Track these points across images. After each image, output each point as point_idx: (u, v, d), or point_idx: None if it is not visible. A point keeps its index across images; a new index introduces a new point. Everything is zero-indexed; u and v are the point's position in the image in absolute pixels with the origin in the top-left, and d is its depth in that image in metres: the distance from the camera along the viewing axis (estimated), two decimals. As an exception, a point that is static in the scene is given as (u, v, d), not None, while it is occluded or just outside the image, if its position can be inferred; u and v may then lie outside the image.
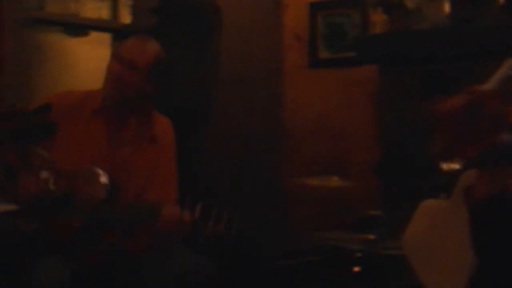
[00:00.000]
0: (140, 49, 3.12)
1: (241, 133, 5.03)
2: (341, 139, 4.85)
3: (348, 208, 4.22)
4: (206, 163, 4.65)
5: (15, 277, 2.78)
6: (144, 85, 3.08)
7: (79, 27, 4.63)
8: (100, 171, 2.91)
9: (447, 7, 4.20)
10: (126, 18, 4.97)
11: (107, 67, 3.11)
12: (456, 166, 1.91)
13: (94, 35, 4.77)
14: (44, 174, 2.88)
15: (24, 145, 2.77)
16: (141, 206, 2.95)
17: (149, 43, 3.17)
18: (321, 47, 4.98)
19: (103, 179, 2.90)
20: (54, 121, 2.50)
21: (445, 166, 2.08)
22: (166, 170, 3.18)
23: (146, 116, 3.20)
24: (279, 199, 4.92)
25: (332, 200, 4.37)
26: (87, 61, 4.76)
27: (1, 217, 2.85)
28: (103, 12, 4.76)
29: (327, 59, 4.97)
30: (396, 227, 3.11)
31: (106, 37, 4.92)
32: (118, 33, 4.90)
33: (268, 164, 5.00)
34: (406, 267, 2.26)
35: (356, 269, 3.60)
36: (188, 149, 4.42)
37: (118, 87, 3.04)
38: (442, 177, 2.23)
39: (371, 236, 3.71)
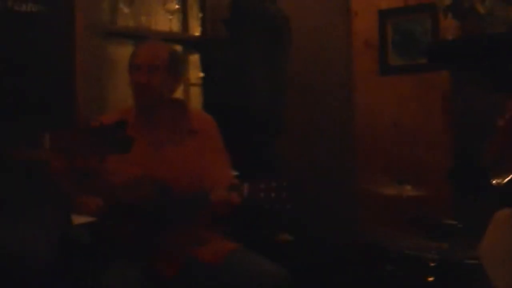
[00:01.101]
0: (153, 50, 3.20)
1: (313, 140, 5.02)
2: (414, 145, 4.80)
3: (422, 216, 4.17)
4: (277, 169, 4.65)
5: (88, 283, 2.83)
6: (167, 82, 3.16)
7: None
8: (147, 177, 2.96)
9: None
10: (196, 30, 5.00)
11: (129, 80, 3.19)
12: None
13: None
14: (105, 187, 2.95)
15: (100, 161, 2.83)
16: (190, 196, 2.98)
17: (157, 45, 3.29)
18: (391, 53, 4.95)
19: (152, 184, 2.95)
20: (131, 136, 2.55)
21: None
22: (216, 160, 3.21)
23: (181, 113, 3.27)
24: (351, 207, 4.89)
25: (406, 208, 4.32)
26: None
27: (79, 228, 2.90)
28: (173, 25, 4.80)
29: (398, 66, 4.93)
30: (470, 236, 3.08)
31: (177, 49, 4.96)
32: (189, 45, 4.94)
33: (340, 172, 4.97)
34: (482, 277, 2.23)
35: (430, 278, 3.55)
36: (260, 156, 4.44)
37: (146, 94, 3.12)
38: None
39: (445, 245, 3.65)
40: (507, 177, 1.88)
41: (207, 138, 3.23)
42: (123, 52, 4.64)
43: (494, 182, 2.01)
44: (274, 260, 2.99)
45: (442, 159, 4.59)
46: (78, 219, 2.93)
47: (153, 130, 3.17)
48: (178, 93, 4.82)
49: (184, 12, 4.98)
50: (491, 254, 2.41)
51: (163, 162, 3.08)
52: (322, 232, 4.66)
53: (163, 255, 2.96)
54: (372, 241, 4.09)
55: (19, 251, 2.69)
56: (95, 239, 2.93)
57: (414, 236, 3.95)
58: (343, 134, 5.06)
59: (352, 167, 4.99)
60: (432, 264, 3.58)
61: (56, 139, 2.46)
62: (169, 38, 4.68)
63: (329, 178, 4.88)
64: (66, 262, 2.85)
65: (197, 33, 5.00)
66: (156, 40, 3.30)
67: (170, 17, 4.77)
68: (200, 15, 5.02)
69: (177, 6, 4.80)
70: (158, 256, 2.95)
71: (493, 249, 2.42)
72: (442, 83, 4.65)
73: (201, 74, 4.83)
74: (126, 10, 4.57)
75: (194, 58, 4.95)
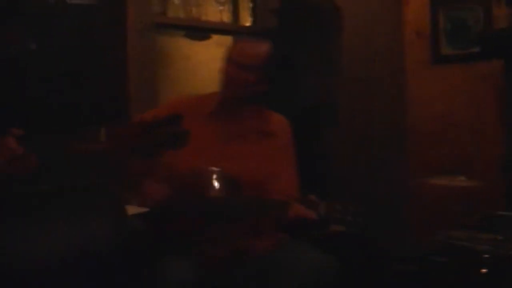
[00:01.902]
0: (252, 50, 3.17)
1: (364, 131, 5.01)
2: (466, 136, 4.75)
3: (475, 207, 4.13)
4: (330, 162, 4.65)
5: (142, 276, 2.85)
6: (257, 84, 3.14)
7: (201, 31, 4.69)
8: (217, 170, 2.96)
9: None
10: (246, 20, 5.00)
11: (221, 70, 3.18)
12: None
13: (215, 38, 4.82)
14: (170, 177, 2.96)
15: (156, 155, 2.86)
16: (269, 201, 2.98)
17: (259, 43, 3.22)
18: (443, 43, 4.90)
19: (220, 177, 2.95)
20: (186, 130, 2.55)
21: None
22: (286, 166, 3.21)
23: (260, 113, 3.26)
24: (402, 199, 4.86)
25: (458, 200, 4.29)
26: (209, 64, 4.81)
27: (133, 219, 2.93)
28: (224, 15, 4.80)
29: (450, 55, 4.89)
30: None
31: (227, 39, 4.96)
32: (239, 35, 4.94)
33: (392, 163, 4.95)
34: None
35: (484, 270, 3.51)
36: (314, 148, 4.44)
37: (233, 88, 3.12)
38: None
39: (499, 237, 3.61)
40: None
41: (280, 142, 3.24)
42: (174, 43, 4.67)
43: None
44: (325, 251, 2.98)
45: (494, 150, 4.53)
46: (130, 210, 2.95)
47: (231, 124, 3.18)
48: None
49: (234, 2, 4.99)
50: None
51: (232, 157, 3.07)
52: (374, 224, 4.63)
53: (217, 245, 2.97)
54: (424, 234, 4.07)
55: (80, 243, 2.73)
56: (153, 228, 2.95)
57: (467, 227, 3.92)
58: (395, 125, 5.03)
59: (403, 159, 4.95)
60: (486, 256, 3.54)
61: (111, 133, 2.48)
62: (219, 28, 4.70)
63: (381, 170, 4.86)
64: (123, 252, 2.87)
65: (247, 24, 5.00)
66: (259, 39, 3.28)
67: (221, 7, 4.78)
68: (251, 5, 5.02)
69: (227, -4, 4.81)
70: (211, 246, 2.96)
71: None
72: (494, 72, 4.58)
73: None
74: (176, 1, 4.59)
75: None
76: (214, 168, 2.97)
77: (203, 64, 4.79)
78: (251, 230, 3.05)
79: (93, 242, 2.71)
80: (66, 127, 3.50)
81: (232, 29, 4.86)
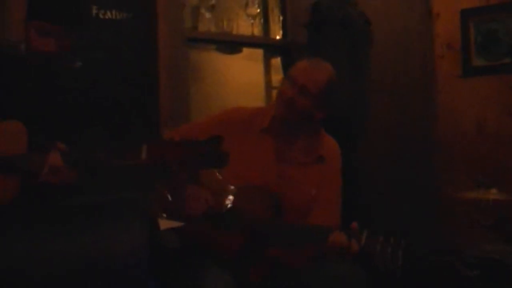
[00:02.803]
0: (313, 74, 3.08)
1: (395, 143, 5.00)
2: (497, 148, 4.73)
3: (505, 220, 4.12)
4: (362, 176, 4.65)
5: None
6: (314, 109, 3.08)
7: (232, 45, 4.72)
8: (265, 189, 2.95)
9: None
10: (277, 33, 5.03)
11: (279, 88, 3.14)
12: None
13: (246, 51, 4.85)
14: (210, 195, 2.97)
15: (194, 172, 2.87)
16: (308, 228, 2.93)
17: (322, 68, 3.14)
18: (474, 54, 4.88)
19: (267, 198, 2.94)
20: (226, 151, 2.56)
21: None
22: (332, 192, 3.15)
23: (315, 137, 3.20)
24: (435, 211, 4.85)
25: (492, 212, 4.27)
26: (240, 77, 4.84)
27: (167, 233, 2.95)
28: (255, 29, 4.83)
29: (482, 67, 4.88)
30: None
31: (258, 53, 5.00)
32: (270, 48, 4.97)
33: (423, 175, 4.94)
34: None
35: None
36: (347, 163, 4.46)
37: (289, 109, 3.04)
38: None
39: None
40: None
41: (331, 168, 3.19)
42: (205, 57, 4.70)
43: None
44: (354, 263, 2.98)
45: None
46: (164, 224, 2.97)
47: (283, 143, 3.14)
48: (260, 95, 4.89)
49: (265, 16, 5.01)
50: None
51: (282, 178, 3.05)
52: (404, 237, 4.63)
53: (253, 260, 2.98)
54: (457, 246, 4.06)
55: (115, 257, 2.76)
56: (190, 243, 2.97)
57: (498, 240, 3.91)
58: (426, 138, 5.02)
59: (435, 171, 4.94)
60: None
61: (151, 150, 2.51)
62: (250, 42, 4.72)
63: (413, 182, 4.85)
64: (156, 266, 2.90)
65: (278, 37, 5.03)
66: (320, 61, 3.21)
67: (252, 21, 4.80)
68: (281, 18, 5.05)
69: (258, 10, 4.82)
70: (248, 261, 2.96)
71: None
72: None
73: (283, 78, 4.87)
74: (207, 15, 4.62)
75: (276, 62, 4.98)
76: (265, 189, 2.96)
77: (234, 78, 4.82)
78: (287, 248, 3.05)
79: (119, 255, 2.74)
80: (105, 142, 3.54)
81: (263, 42, 4.89)
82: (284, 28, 5.00)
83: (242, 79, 4.84)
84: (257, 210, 2.93)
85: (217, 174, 2.94)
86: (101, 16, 3.84)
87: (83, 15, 3.20)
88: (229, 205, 2.92)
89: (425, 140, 5.03)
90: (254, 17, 4.80)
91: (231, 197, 2.93)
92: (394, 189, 4.82)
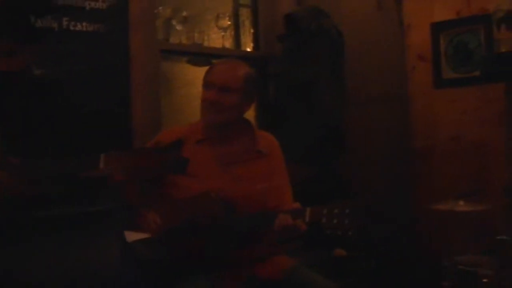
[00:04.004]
0: (229, 72, 3.16)
1: (370, 155, 5.01)
2: (471, 160, 4.74)
3: (485, 232, 4.13)
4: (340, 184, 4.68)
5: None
6: (240, 105, 3.15)
7: (203, 57, 4.72)
8: (214, 194, 2.96)
9: None
10: (248, 46, 5.03)
11: (201, 96, 3.18)
12: None
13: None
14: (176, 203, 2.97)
15: (157, 181, 2.88)
16: (254, 216, 2.98)
17: (236, 64, 3.23)
18: (445, 67, 4.90)
19: (218, 201, 2.95)
20: (186, 157, 2.57)
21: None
22: (279, 180, 3.23)
23: (249, 135, 3.26)
24: (411, 223, 4.85)
25: (464, 224, 4.28)
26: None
27: (138, 245, 2.94)
28: (226, 41, 4.83)
29: (452, 79, 4.88)
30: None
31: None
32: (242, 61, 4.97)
33: (399, 187, 4.94)
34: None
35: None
36: (324, 170, 4.46)
37: (215, 113, 3.10)
38: None
39: (503, 261, 3.61)
40: None
41: (272, 159, 3.24)
42: (177, 69, 4.69)
43: None
44: (330, 275, 3.00)
45: (500, 173, 4.52)
46: (135, 235, 2.96)
47: (221, 148, 3.18)
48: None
49: (236, 28, 5.02)
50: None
51: (230, 180, 3.08)
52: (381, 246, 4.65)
53: (226, 271, 2.98)
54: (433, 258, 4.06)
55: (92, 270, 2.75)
56: (160, 255, 2.96)
57: (472, 251, 3.92)
58: (400, 149, 5.03)
59: (411, 183, 4.95)
60: (485, 280, 3.55)
61: (110, 160, 2.51)
62: (222, 54, 4.72)
63: (387, 193, 4.86)
64: (127, 278, 2.89)
65: (249, 49, 5.03)
66: (234, 59, 3.27)
67: (223, 33, 4.81)
68: (252, 31, 5.05)
69: (229, 23, 4.84)
70: (222, 272, 2.98)
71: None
72: (498, 95, 4.58)
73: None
74: (179, 27, 4.62)
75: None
76: (209, 192, 2.96)
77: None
78: (259, 255, 3.06)
79: (95, 268, 2.73)
80: (70, 153, 3.52)
81: (234, 55, 4.88)
82: (256, 40, 5.01)
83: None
84: (208, 214, 2.93)
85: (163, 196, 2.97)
86: (72, 28, 3.82)
87: (39, 30, 3.19)
88: (179, 220, 2.95)
89: (401, 153, 5.02)
90: (225, 29, 4.81)
91: (180, 212, 2.96)
92: (370, 203, 4.82)
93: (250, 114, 4.71)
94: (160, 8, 4.53)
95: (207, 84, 3.15)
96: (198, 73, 4.78)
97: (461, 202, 3.90)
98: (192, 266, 2.93)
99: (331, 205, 2.81)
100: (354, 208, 2.79)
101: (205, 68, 3.27)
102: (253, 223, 2.98)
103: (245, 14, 5.08)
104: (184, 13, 4.64)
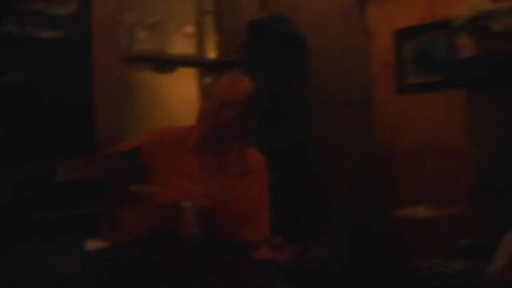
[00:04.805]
0: (232, 87, 3.13)
1: (336, 162, 5.03)
2: (437, 165, 4.77)
3: (451, 236, 4.15)
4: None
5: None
6: (237, 122, 3.10)
7: (167, 64, 4.71)
8: (193, 204, 2.93)
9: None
10: (212, 53, 5.04)
11: (199, 106, 3.15)
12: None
13: (181, 70, 4.85)
14: (147, 210, 2.95)
15: (124, 184, 2.86)
16: (237, 243, 2.98)
17: (240, 80, 3.17)
18: (408, 72, 4.93)
19: (200, 212, 2.92)
20: (144, 164, 2.56)
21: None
22: (259, 204, 3.19)
23: (240, 150, 3.22)
24: (378, 228, 4.87)
25: (434, 229, 4.30)
26: (175, 95, 4.83)
27: (97, 254, 2.92)
28: (189, 48, 4.84)
29: (415, 84, 4.91)
30: (491, 256, 3.07)
31: (193, 71, 5.00)
32: (205, 67, 4.97)
33: (365, 193, 4.96)
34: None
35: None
36: (288, 176, 4.47)
37: (212, 125, 3.07)
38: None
39: (472, 265, 3.63)
40: None
41: (257, 179, 3.22)
42: (141, 76, 4.69)
43: None
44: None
45: (464, 179, 4.55)
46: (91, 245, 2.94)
47: (214, 159, 3.15)
48: (193, 115, 4.89)
49: (200, 35, 5.02)
50: (500, 276, 2.41)
51: (216, 195, 3.03)
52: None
53: (202, 280, 2.97)
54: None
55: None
56: (123, 263, 2.95)
57: (442, 256, 3.94)
58: (366, 156, 5.05)
59: (377, 189, 4.97)
60: (450, 284, 3.57)
61: (70, 166, 2.50)
62: (185, 61, 4.72)
63: (353, 202, 4.88)
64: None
65: (213, 55, 5.03)
66: (239, 74, 3.23)
67: (187, 40, 4.81)
68: (216, 37, 5.06)
69: (193, 29, 4.84)
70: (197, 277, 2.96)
71: (501, 271, 2.42)
72: (461, 101, 4.62)
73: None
74: (143, 34, 4.61)
75: (210, 81, 4.98)
76: (189, 203, 2.93)
77: (169, 97, 4.81)
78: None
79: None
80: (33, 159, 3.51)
81: (197, 61, 4.89)
82: (220, 47, 5.02)
83: (176, 98, 4.83)
84: (190, 225, 2.90)
85: (150, 192, 2.95)
86: (35, 34, 3.80)
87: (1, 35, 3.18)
88: (163, 223, 2.91)
89: (366, 159, 5.05)
90: (188, 36, 4.80)
91: (166, 215, 2.92)
92: (337, 209, 4.84)
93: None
94: (124, 15, 4.51)
95: (209, 96, 3.12)
96: (162, 80, 4.80)
97: (424, 208, 3.92)
98: (162, 274, 2.92)
99: (311, 241, 2.81)
100: (334, 245, 2.78)
101: (169, 75, 3.25)
102: (232, 248, 2.96)
103: (209, 21, 5.08)
104: (148, 20, 4.63)
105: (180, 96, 4.85)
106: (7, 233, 3.21)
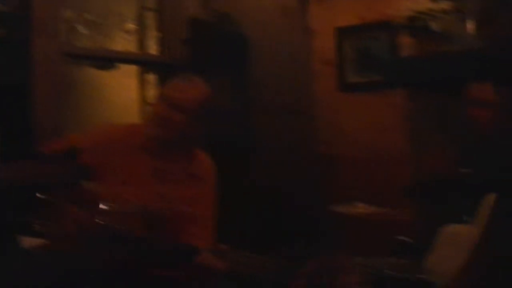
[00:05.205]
0: (186, 91, 3.10)
1: (277, 160, 5.04)
2: (376, 164, 4.82)
3: (384, 234, 4.18)
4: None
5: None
6: (189, 127, 3.09)
7: (107, 61, 4.67)
8: (141, 206, 2.92)
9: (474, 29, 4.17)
10: (153, 50, 5.01)
11: (153, 107, 3.15)
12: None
13: (122, 67, 4.81)
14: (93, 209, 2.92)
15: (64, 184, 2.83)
16: (179, 247, 2.95)
17: (196, 85, 3.16)
18: (349, 71, 4.97)
19: (141, 215, 2.91)
20: (86, 164, 2.54)
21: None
22: (207, 210, 3.18)
23: (189, 154, 3.22)
24: (316, 225, 4.89)
25: (368, 227, 4.34)
26: (115, 93, 4.80)
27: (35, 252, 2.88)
28: (130, 45, 4.80)
29: (356, 83, 4.95)
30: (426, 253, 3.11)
31: (134, 68, 4.97)
32: (146, 64, 4.94)
33: (306, 190, 4.98)
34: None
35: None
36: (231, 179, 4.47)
37: (164, 128, 3.06)
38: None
39: (404, 262, 3.67)
40: None
41: (204, 185, 3.21)
42: (81, 73, 4.64)
43: None
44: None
45: (401, 177, 4.60)
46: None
47: (158, 162, 3.12)
48: (135, 112, 4.86)
49: (141, 32, 4.98)
50: (438, 270, 2.45)
51: (157, 197, 3.03)
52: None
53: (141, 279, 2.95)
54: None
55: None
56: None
57: (376, 253, 3.97)
58: (307, 154, 5.07)
59: (317, 186, 4.99)
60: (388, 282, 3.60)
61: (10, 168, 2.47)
62: (126, 58, 4.69)
63: (293, 199, 4.90)
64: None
65: (154, 53, 5.00)
66: (195, 78, 3.20)
67: (127, 37, 4.77)
68: (157, 35, 5.03)
69: (133, 26, 4.80)
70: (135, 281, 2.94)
71: (439, 265, 2.46)
72: (401, 99, 4.66)
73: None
74: (84, 30, 4.56)
75: (151, 78, 4.95)
76: (138, 205, 2.92)
77: (110, 94, 4.78)
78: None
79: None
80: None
81: (138, 58, 4.86)
82: (162, 44, 4.98)
83: (117, 95, 4.80)
84: (130, 227, 2.87)
85: (92, 192, 2.92)
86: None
87: None
88: (102, 223, 2.88)
89: (307, 157, 5.07)
90: (129, 33, 4.77)
91: (104, 215, 2.89)
92: (279, 207, 4.85)
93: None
94: (64, 12, 4.45)
95: (163, 97, 3.11)
96: (103, 76, 4.76)
97: (361, 205, 3.95)
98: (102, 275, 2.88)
99: (256, 252, 2.81)
100: (278, 258, 2.79)
101: (110, 72, 3.22)
102: (175, 252, 2.93)
103: (150, 18, 5.05)
104: (88, 17, 4.58)
105: (120, 93, 4.82)
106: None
